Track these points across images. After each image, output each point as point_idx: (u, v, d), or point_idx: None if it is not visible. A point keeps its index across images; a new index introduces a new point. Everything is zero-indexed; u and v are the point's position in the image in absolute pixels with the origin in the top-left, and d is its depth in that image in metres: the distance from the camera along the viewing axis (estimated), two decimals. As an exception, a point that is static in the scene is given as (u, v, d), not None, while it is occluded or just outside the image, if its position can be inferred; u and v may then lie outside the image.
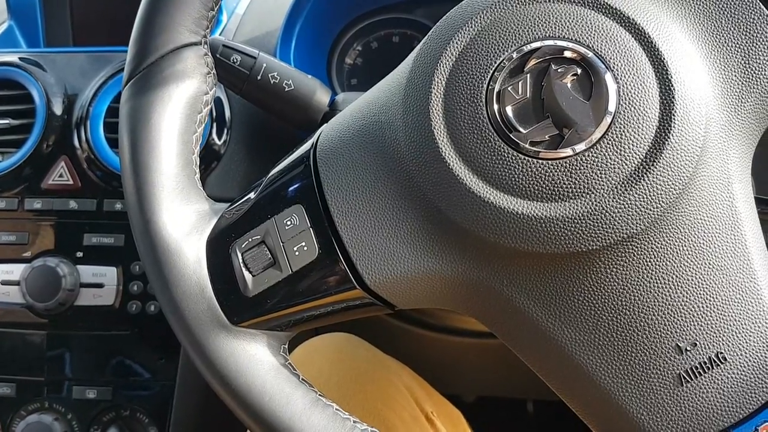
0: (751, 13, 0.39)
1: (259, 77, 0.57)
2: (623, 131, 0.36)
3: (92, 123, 0.74)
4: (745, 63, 0.39)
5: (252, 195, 0.43)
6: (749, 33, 0.39)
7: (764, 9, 0.39)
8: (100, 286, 0.73)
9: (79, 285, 0.73)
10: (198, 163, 0.44)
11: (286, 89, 0.57)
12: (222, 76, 0.57)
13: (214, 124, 0.73)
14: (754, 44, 0.39)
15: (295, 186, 0.42)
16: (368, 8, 0.80)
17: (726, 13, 0.39)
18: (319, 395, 0.41)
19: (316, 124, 0.59)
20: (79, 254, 0.74)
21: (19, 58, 0.78)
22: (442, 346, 0.94)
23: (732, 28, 0.39)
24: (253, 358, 0.41)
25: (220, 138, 0.74)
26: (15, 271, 0.73)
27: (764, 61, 0.39)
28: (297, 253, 0.41)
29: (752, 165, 0.70)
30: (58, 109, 0.76)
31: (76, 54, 0.79)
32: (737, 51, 0.39)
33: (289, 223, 0.41)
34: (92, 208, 0.75)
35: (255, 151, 0.75)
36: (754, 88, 0.39)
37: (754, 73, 0.39)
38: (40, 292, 0.72)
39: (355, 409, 0.59)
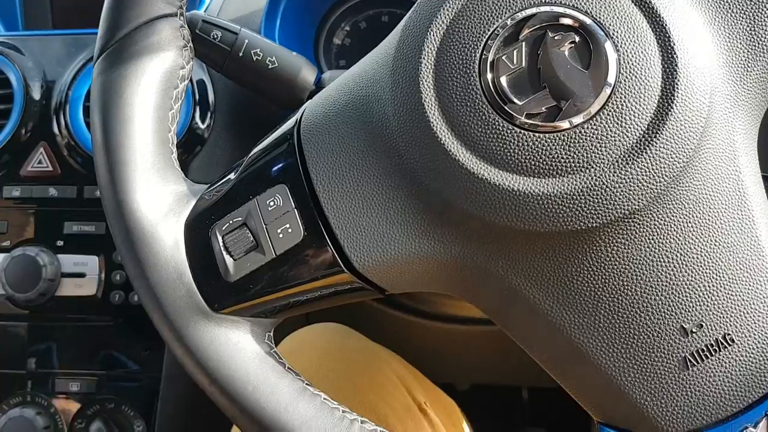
0: None
1: (240, 54, 0.54)
2: (624, 102, 0.34)
3: (71, 108, 0.72)
4: (750, 30, 0.37)
5: (232, 175, 0.41)
6: None
7: None
8: (81, 275, 0.71)
9: (60, 275, 0.71)
10: (175, 142, 0.42)
11: (270, 66, 0.55)
12: (202, 53, 0.55)
13: (197, 108, 0.71)
14: (761, 9, 0.37)
15: (279, 165, 0.40)
16: (356, -14, 0.78)
17: None
18: (306, 384, 0.39)
19: (301, 103, 0.57)
20: (60, 243, 0.73)
21: (-4, 42, 0.75)
22: (436, 333, 0.92)
23: None
24: (236, 346, 0.39)
25: (203, 122, 0.72)
26: (-6, 261, 0.71)
27: None
28: (281, 236, 0.38)
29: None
30: (36, 94, 0.74)
31: (54, 37, 0.77)
32: (743, 17, 0.37)
33: (272, 203, 0.39)
34: (73, 196, 0.73)
35: (240, 135, 0.73)
36: (760, 56, 0.37)
37: (761, 40, 0.37)
38: (20, 283, 0.70)
39: (346, 400, 0.57)
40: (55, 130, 0.73)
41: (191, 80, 0.71)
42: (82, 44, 0.76)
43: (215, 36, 0.54)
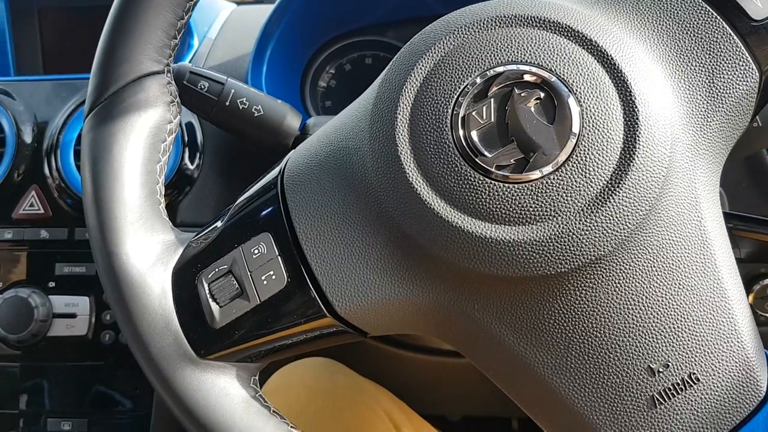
0: (714, 32, 0.39)
1: (227, 103, 0.56)
2: (587, 154, 0.36)
3: (62, 151, 0.74)
4: (709, 81, 0.39)
5: (219, 223, 0.43)
6: (713, 52, 0.39)
7: (727, 27, 0.39)
8: (72, 316, 0.72)
9: (51, 315, 0.72)
10: (163, 193, 0.44)
11: (256, 114, 0.57)
12: (190, 103, 0.57)
13: (186, 149, 0.73)
14: (719, 63, 0.39)
15: (263, 213, 0.42)
16: (340, 31, 0.80)
17: (690, 32, 0.39)
18: (291, 427, 0.40)
19: (287, 148, 0.59)
20: (51, 284, 0.74)
21: (-12, 87, 0.77)
22: (426, 366, 0.93)
23: (696, 48, 0.39)
24: (222, 392, 0.40)
25: (192, 162, 0.73)
26: (-14, 302, 0.72)
27: (729, 79, 0.39)
28: (265, 282, 0.40)
29: (726, 180, 0.70)
30: (28, 138, 0.75)
31: (45, 82, 0.79)
32: (702, 70, 0.39)
33: (256, 251, 0.40)
34: (63, 237, 0.74)
35: (229, 174, 0.75)
36: (719, 106, 0.39)
37: (719, 91, 0.39)
38: (12, 324, 0.71)
39: (333, 437, 0.58)
40: (47, 172, 0.74)
41: (180, 123, 0.73)
42: (73, 89, 0.77)
43: (202, 86, 0.56)
